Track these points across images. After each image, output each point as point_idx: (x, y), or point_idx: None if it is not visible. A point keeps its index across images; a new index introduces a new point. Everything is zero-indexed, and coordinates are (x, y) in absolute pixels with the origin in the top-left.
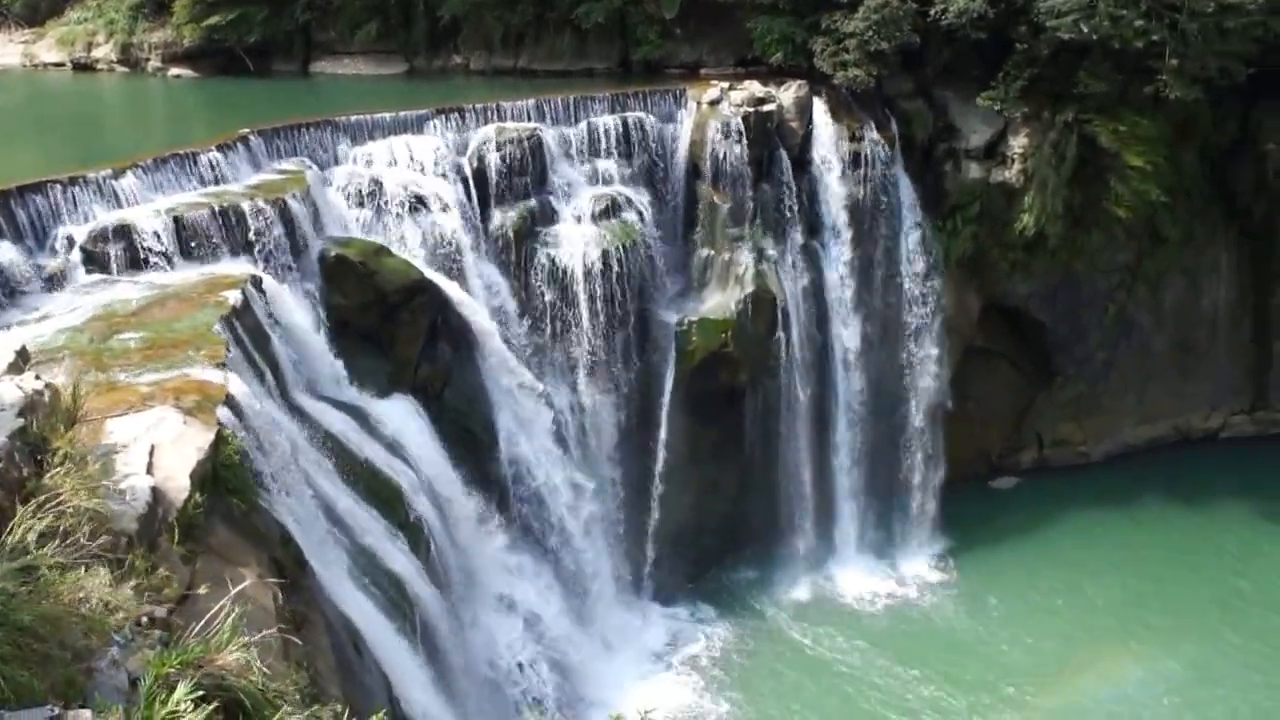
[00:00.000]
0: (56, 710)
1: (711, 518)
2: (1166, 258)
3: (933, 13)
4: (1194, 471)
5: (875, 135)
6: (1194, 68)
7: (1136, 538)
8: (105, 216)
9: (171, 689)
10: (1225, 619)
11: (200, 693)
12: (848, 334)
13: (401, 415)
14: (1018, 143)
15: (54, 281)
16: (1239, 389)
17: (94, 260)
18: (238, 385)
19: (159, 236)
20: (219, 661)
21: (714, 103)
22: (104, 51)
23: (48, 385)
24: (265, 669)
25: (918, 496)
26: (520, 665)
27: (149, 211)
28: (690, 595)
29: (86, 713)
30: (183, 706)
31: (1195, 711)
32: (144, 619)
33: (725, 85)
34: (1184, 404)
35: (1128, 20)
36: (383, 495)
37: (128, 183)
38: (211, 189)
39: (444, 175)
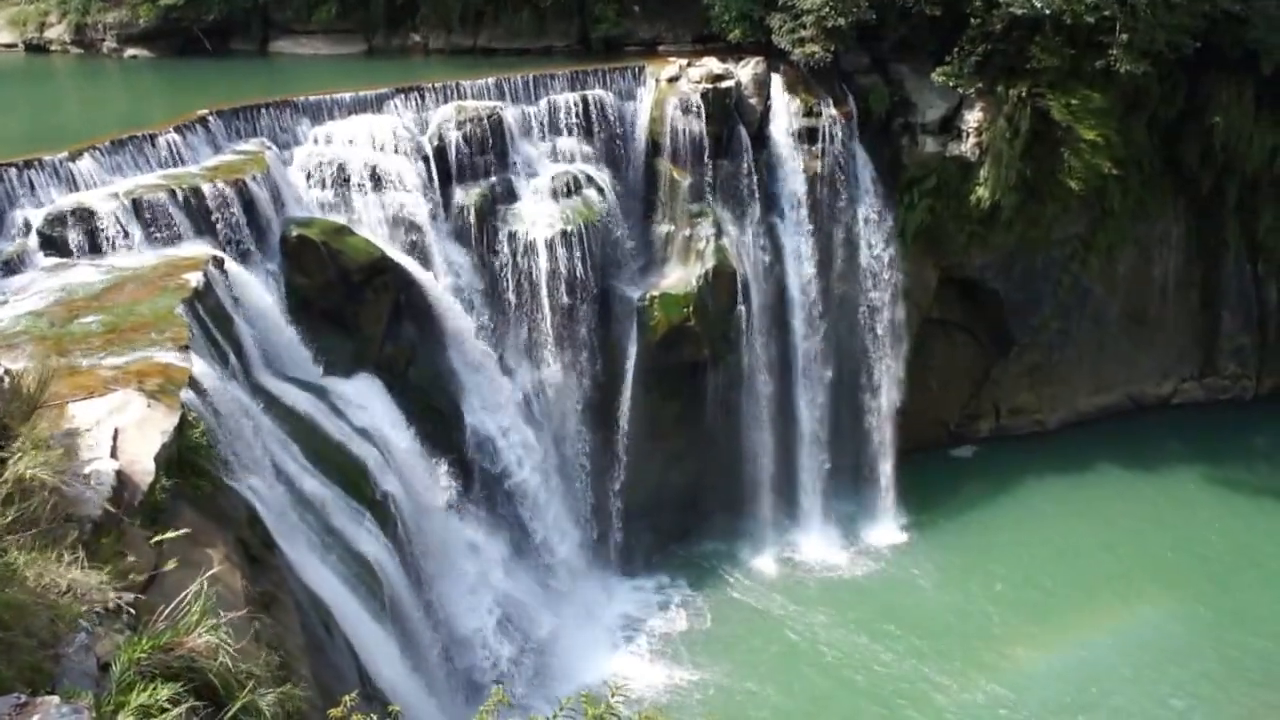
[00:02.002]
0: (24, 697)
1: (676, 490)
2: (1118, 229)
3: None
4: (1147, 437)
5: (832, 110)
6: (1143, 42)
7: (1093, 502)
8: (63, 200)
9: (143, 674)
10: (1182, 576)
11: (179, 686)
12: (806, 307)
13: (366, 394)
14: (973, 117)
15: (11, 266)
16: (1189, 356)
17: (52, 244)
18: (201, 367)
19: (118, 219)
20: (188, 644)
21: (673, 80)
22: (57, 32)
23: (7, 371)
24: (235, 651)
25: (878, 466)
26: (488, 640)
27: (107, 194)
28: (657, 567)
29: (54, 698)
30: (161, 695)
31: (1159, 667)
32: (111, 604)
33: (684, 62)
34: (1136, 372)
35: None
36: (349, 474)
37: (85, 165)
38: (170, 171)
39: (405, 154)
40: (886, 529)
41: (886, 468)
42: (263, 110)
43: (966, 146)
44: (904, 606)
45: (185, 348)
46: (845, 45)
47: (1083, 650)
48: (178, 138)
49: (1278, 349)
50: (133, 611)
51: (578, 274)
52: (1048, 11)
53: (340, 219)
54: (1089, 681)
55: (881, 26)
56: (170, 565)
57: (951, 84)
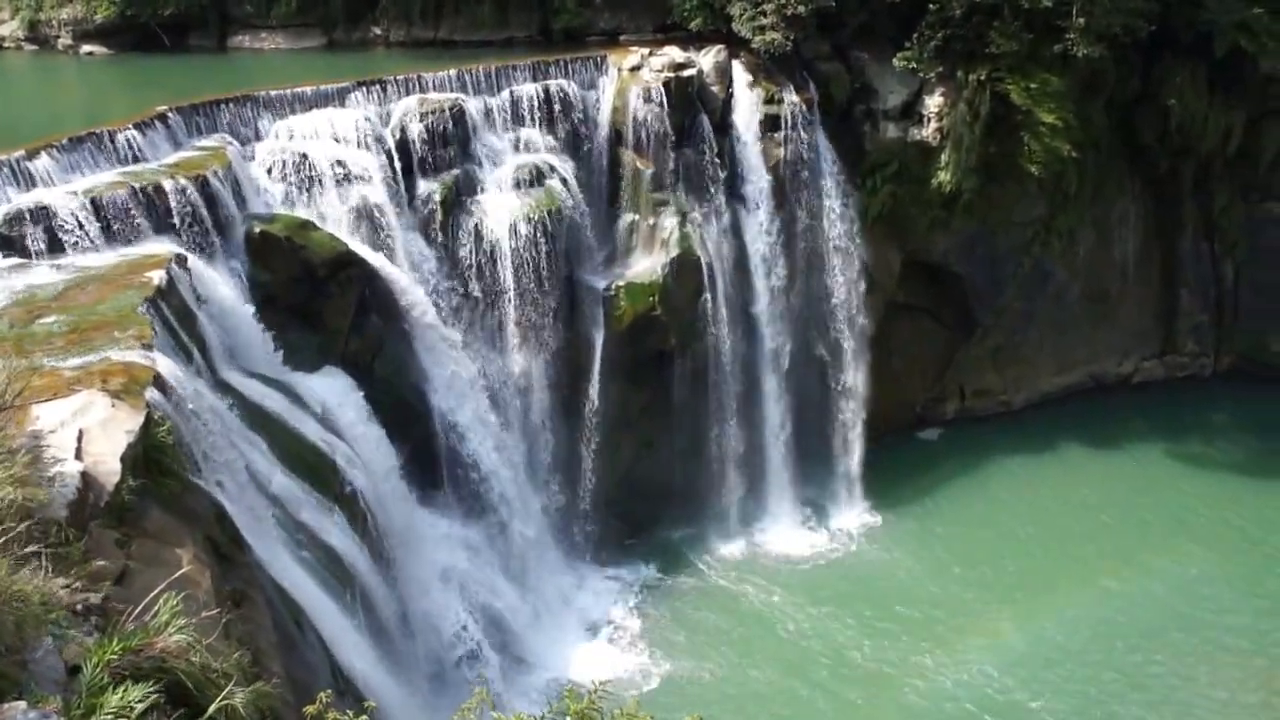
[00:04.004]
0: None
1: (645, 478)
2: (1078, 211)
3: None
4: (1110, 415)
5: (794, 97)
6: (1100, 26)
7: (1058, 480)
8: (20, 199)
9: (115, 676)
10: (1147, 549)
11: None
12: (772, 293)
13: (333, 388)
14: (933, 102)
15: None
16: (1149, 335)
17: (10, 244)
18: (166, 366)
19: (77, 218)
20: (159, 645)
21: (635, 69)
22: (10, 29)
23: None
24: (205, 650)
25: (845, 450)
26: (461, 632)
27: (66, 193)
28: (627, 555)
29: (21, 704)
30: (134, 695)
31: (1129, 637)
32: (79, 607)
33: (645, 51)
34: (1098, 351)
35: None
36: (318, 469)
37: (42, 164)
38: (130, 168)
39: (367, 148)
40: (855, 512)
41: (853, 452)
42: (223, 105)
43: (927, 131)
44: (875, 589)
45: (149, 346)
46: (806, 33)
47: (1054, 625)
48: (137, 134)
49: (1235, 327)
50: (102, 614)
51: (542, 264)
52: None
53: (304, 214)
54: (1062, 654)
55: (842, 13)
56: (138, 565)
57: (912, 68)
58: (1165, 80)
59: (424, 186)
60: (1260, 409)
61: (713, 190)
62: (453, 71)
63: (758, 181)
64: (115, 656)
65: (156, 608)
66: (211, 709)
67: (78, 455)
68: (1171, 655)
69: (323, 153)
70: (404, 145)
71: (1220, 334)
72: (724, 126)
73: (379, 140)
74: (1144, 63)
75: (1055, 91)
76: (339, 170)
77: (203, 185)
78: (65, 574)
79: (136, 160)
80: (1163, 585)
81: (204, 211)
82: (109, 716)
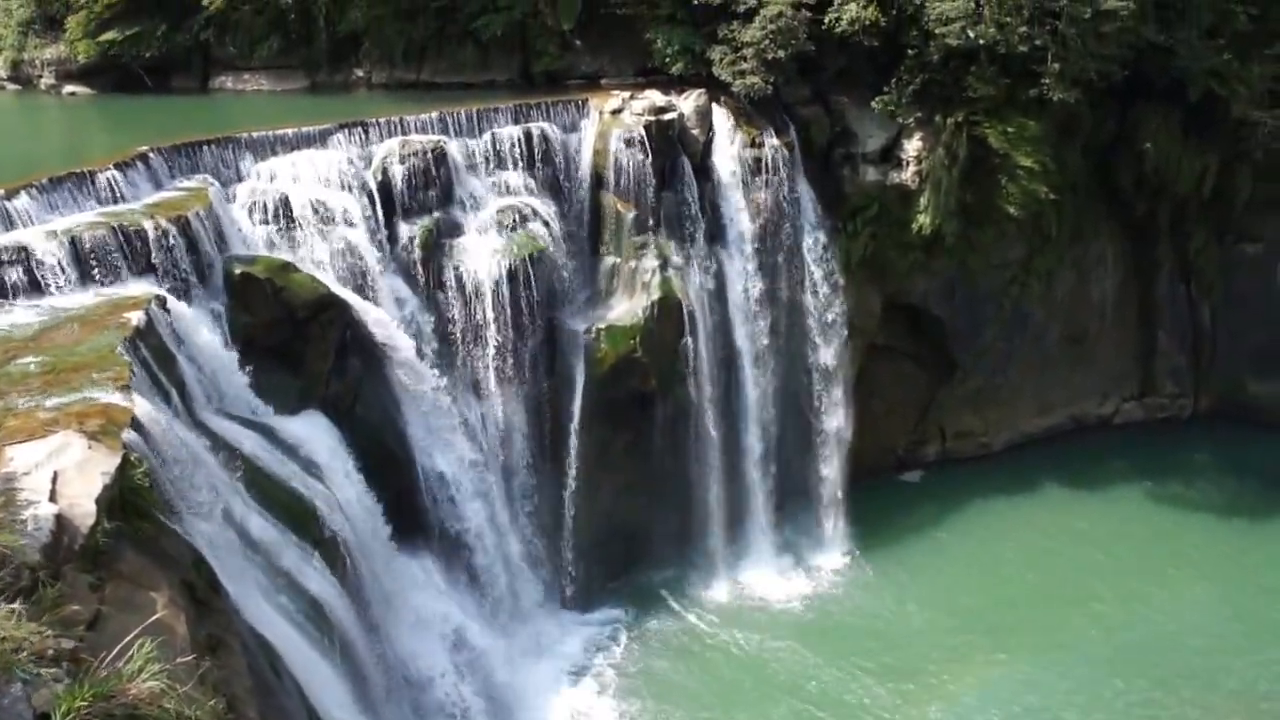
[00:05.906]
0: None
1: (626, 522)
2: (1055, 253)
3: (827, 21)
4: (1090, 457)
5: (775, 141)
6: (1074, 70)
7: (1039, 522)
8: None
9: None
10: (1127, 591)
11: None
12: (753, 336)
13: (313, 432)
14: (912, 146)
15: None
16: (1128, 377)
17: None
18: (144, 407)
19: (56, 258)
20: (131, 692)
21: (616, 112)
22: None
23: None
24: (180, 696)
25: (827, 493)
26: (441, 679)
27: (45, 233)
28: (609, 600)
29: None
30: None
31: (1109, 686)
32: (51, 652)
33: (626, 95)
34: (1078, 393)
35: (1012, 27)
36: (297, 513)
37: (21, 204)
38: (111, 209)
39: (349, 189)
40: (837, 556)
41: (835, 495)
42: (205, 146)
43: (907, 175)
44: (861, 633)
45: (127, 388)
46: (785, 77)
47: (1043, 665)
48: (118, 175)
49: (1212, 369)
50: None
51: (524, 307)
52: (982, 42)
53: (285, 255)
54: (1052, 695)
55: (821, 58)
56: (112, 609)
57: (891, 112)
58: (1140, 124)
59: (405, 228)
60: (1239, 450)
61: (694, 233)
62: (434, 114)
63: (739, 224)
64: (86, 703)
65: (130, 653)
66: None
67: (52, 497)
68: (1163, 693)
69: (304, 194)
70: (386, 187)
71: (1199, 376)
72: (705, 169)
73: (361, 182)
74: (1119, 107)
75: (1032, 135)
76: (320, 212)
77: (184, 226)
78: (37, 618)
79: (117, 200)
80: (1149, 623)
81: (185, 252)
82: None
